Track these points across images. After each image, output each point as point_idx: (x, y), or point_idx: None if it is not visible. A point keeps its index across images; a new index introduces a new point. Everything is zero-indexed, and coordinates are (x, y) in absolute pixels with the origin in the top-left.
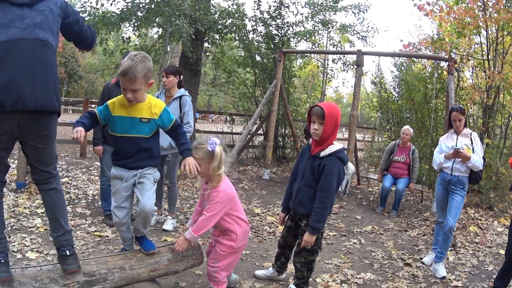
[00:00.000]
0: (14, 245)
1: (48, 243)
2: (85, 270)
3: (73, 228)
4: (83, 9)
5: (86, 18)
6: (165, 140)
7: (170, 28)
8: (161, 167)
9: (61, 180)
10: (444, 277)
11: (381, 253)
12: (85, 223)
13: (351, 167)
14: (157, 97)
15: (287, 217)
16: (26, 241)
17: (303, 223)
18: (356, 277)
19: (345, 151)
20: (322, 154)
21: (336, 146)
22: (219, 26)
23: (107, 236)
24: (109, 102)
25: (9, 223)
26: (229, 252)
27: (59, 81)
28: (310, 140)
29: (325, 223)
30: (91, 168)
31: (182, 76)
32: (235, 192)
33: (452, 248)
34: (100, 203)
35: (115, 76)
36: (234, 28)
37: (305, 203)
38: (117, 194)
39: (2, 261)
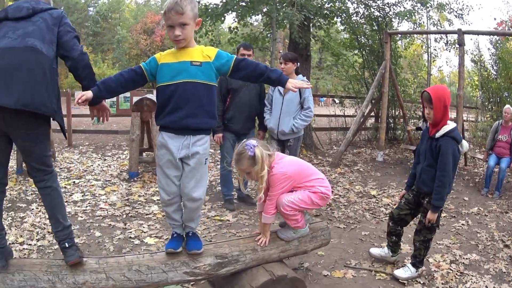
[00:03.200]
0: (131, 232)
1: (167, 229)
2: (217, 252)
3: None
4: None
5: None
6: (286, 124)
7: (280, 16)
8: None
9: None
10: None
11: (485, 235)
12: (204, 208)
13: (465, 144)
14: None
15: (408, 192)
16: (144, 227)
17: (425, 201)
18: (463, 258)
19: (458, 130)
20: (437, 135)
21: (449, 126)
22: (325, 11)
23: (228, 220)
24: (156, 54)
25: (124, 211)
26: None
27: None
28: (428, 123)
29: (445, 201)
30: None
31: (299, 63)
32: (295, 169)
33: None
34: (218, 188)
35: None
36: (339, 12)
37: (427, 182)
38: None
39: (70, 244)
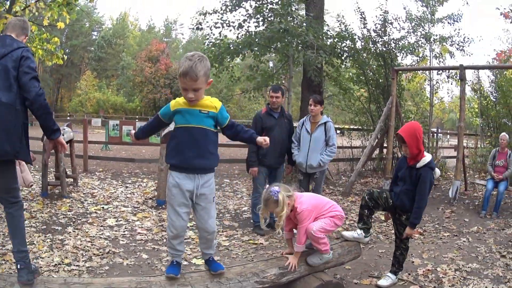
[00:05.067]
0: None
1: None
2: (280, 264)
3: (227, 238)
4: (207, 41)
5: (212, 49)
6: (314, 159)
7: (301, 58)
8: (307, 184)
9: None
10: None
11: (484, 248)
12: (237, 234)
13: (437, 172)
14: (303, 124)
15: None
16: (187, 250)
17: (404, 218)
18: (466, 266)
19: (433, 159)
20: (418, 165)
21: (427, 158)
22: (338, 50)
23: (262, 243)
24: (171, 102)
25: (162, 235)
26: (332, 230)
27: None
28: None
29: (421, 219)
30: (222, 185)
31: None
32: (313, 202)
33: None
34: (244, 216)
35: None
36: (352, 51)
37: (406, 202)
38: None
39: (22, 267)
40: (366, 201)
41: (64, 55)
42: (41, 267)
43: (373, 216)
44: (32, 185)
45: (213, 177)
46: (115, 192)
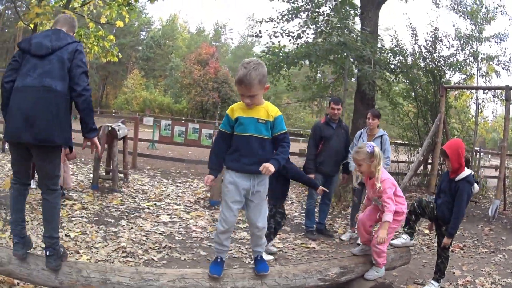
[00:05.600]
0: (232, 253)
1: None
2: (341, 264)
3: (280, 240)
4: (266, 49)
5: (270, 57)
6: None
7: (359, 72)
8: (361, 193)
9: None
10: None
11: None
12: (290, 237)
13: (476, 187)
14: (360, 136)
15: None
16: (243, 250)
17: (443, 228)
18: (501, 281)
19: (472, 175)
20: (457, 178)
21: (466, 172)
22: (392, 66)
23: (314, 248)
24: (228, 111)
25: None
26: (395, 227)
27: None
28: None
29: (457, 229)
30: None
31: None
32: (393, 180)
33: None
34: (295, 221)
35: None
36: (405, 67)
37: (445, 213)
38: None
39: (15, 241)
40: (414, 208)
41: (119, 53)
42: (95, 257)
43: (418, 222)
44: (70, 188)
45: (267, 177)
46: (166, 190)
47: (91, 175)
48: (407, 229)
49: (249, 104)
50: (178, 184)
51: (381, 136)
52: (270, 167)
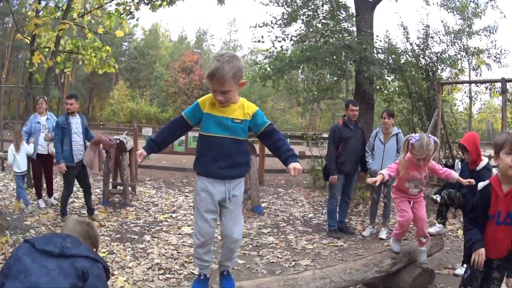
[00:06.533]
0: (267, 258)
1: (296, 254)
2: (392, 255)
3: (308, 241)
4: (269, 54)
5: (274, 62)
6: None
7: (366, 73)
8: (379, 190)
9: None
10: None
11: None
12: (315, 238)
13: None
14: (376, 134)
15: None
16: (277, 254)
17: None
18: None
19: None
20: (478, 168)
21: (484, 161)
22: (392, 65)
23: (342, 245)
24: (200, 100)
25: (245, 242)
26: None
27: None
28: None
29: None
30: (279, 194)
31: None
32: None
33: None
34: (314, 222)
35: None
36: (398, 65)
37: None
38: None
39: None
40: (445, 200)
41: (116, 64)
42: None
43: (448, 211)
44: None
45: (243, 180)
46: (176, 201)
47: (97, 190)
48: (441, 219)
49: (222, 101)
50: (187, 194)
51: (397, 134)
52: (298, 166)
